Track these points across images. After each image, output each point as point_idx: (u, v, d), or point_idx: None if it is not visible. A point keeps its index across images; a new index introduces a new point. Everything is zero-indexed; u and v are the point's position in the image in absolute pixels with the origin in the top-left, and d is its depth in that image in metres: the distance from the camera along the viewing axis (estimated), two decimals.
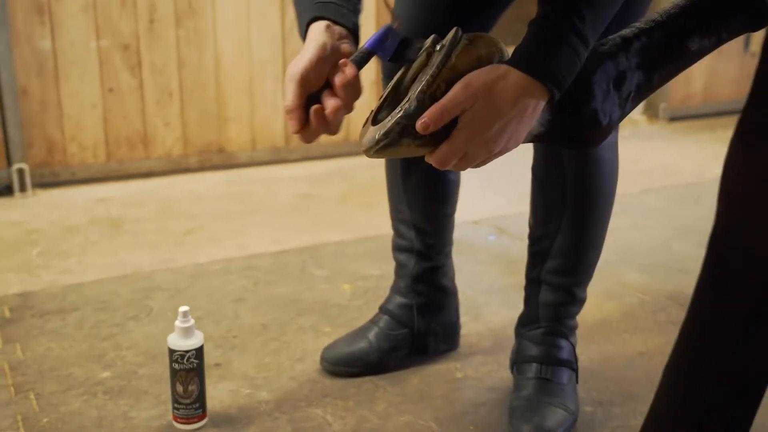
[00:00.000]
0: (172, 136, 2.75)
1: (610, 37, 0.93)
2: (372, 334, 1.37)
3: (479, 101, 0.82)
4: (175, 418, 1.17)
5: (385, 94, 0.95)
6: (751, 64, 3.84)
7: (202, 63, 2.73)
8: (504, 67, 0.84)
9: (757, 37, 3.77)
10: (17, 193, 2.44)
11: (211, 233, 2.13)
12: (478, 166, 0.89)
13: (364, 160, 3.12)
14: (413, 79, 0.92)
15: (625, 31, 0.93)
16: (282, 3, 2.79)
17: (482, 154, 0.86)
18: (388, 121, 0.84)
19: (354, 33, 0.99)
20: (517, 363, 1.26)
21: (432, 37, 0.91)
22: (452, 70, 0.84)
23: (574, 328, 1.26)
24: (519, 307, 1.64)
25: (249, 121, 2.87)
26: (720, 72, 3.82)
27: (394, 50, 0.94)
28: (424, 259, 1.37)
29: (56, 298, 1.66)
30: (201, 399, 1.17)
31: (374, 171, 2.82)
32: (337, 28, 0.96)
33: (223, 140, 2.84)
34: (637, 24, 0.93)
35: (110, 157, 2.65)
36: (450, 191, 1.36)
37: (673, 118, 3.70)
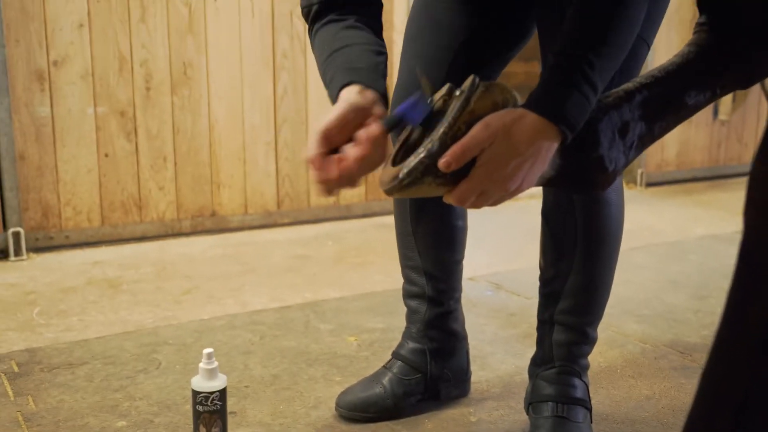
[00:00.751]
0: (166, 200, 2.78)
1: (613, 90, 1.00)
2: (386, 380, 1.39)
3: (497, 141, 0.88)
4: None
5: (403, 138, 1.00)
6: (720, 131, 4.03)
7: (196, 129, 2.80)
8: (520, 110, 0.91)
9: (725, 105, 3.96)
10: (12, 257, 2.44)
11: (210, 292, 2.14)
12: (494, 204, 0.94)
13: (354, 223, 3.20)
14: (435, 121, 0.97)
15: (628, 85, 1.01)
16: (273, 70, 2.89)
17: (499, 191, 0.91)
18: (411, 161, 0.90)
19: (384, 97, 1.03)
20: (533, 403, 1.28)
21: (447, 85, 0.97)
22: (471, 113, 0.90)
23: (586, 367, 1.30)
24: (524, 356, 1.68)
25: (241, 185, 2.92)
26: (692, 140, 3.98)
27: (424, 117, 0.96)
28: (435, 305, 1.41)
29: (63, 353, 1.65)
30: None
31: (365, 234, 2.87)
32: (369, 92, 1.00)
33: (215, 204, 2.88)
34: (638, 79, 1.01)
35: (104, 222, 2.67)
36: (459, 237, 1.41)
37: (650, 183, 3.83)
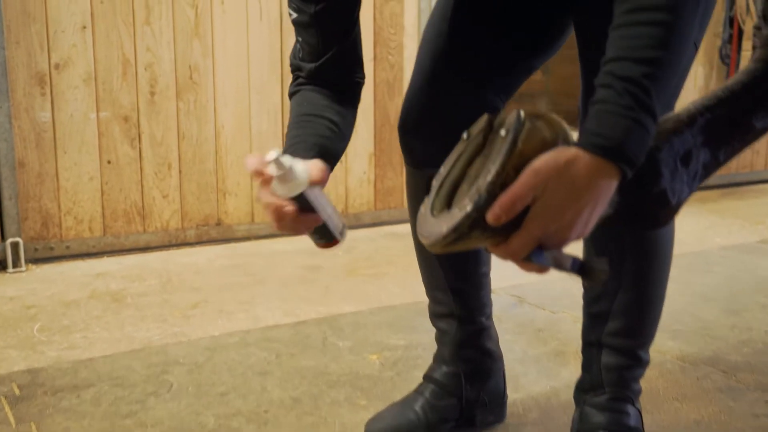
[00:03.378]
0: (170, 209, 2.68)
1: (671, 114, 0.89)
2: (418, 406, 1.29)
3: (551, 186, 0.76)
4: None
5: (441, 180, 0.89)
6: None
7: (202, 135, 2.70)
8: (573, 150, 0.78)
9: None
10: (10, 269, 2.33)
11: (219, 305, 2.04)
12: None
13: (364, 232, 3.10)
14: (468, 163, 0.87)
15: (689, 108, 0.89)
16: (281, 74, 2.79)
17: (556, 243, 0.79)
18: (457, 215, 0.79)
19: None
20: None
21: (485, 117, 0.86)
22: (520, 156, 0.77)
23: (639, 392, 1.20)
24: (558, 376, 1.58)
25: (248, 194, 2.82)
26: None
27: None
28: (466, 323, 1.31)
29: (67, 374, 1.55)
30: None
31: (376, 243, 2.78)
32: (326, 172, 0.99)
33: (221, 213, 2.78)
34: (700, 100, 0.90)
35: (106, 231, 2.57)
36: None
37: None
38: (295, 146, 1.01)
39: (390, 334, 1.81)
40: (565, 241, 0.79)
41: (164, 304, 2.05)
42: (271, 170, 0.91)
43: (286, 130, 1.08)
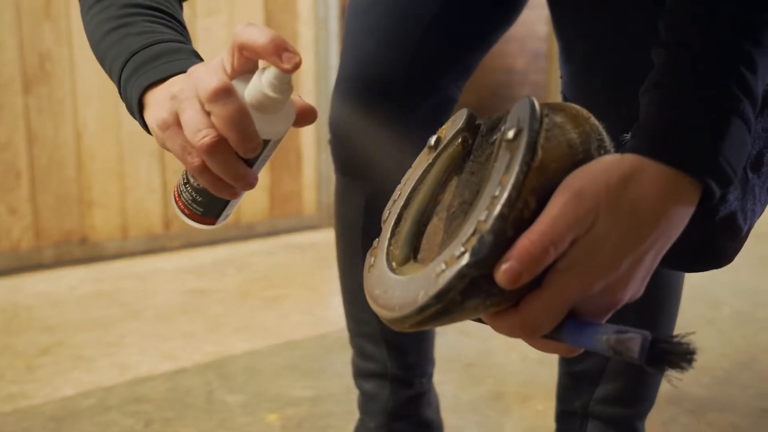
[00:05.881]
0: (20, 226, 2.22)
1: None
2: None
3: (601, 221, 0.45)
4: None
5: (398, 211, 0.55)
6: None
7: (59, 137, 2.25)
8: (630, 159, 0.47)
9: None
10: None
11: (77, 350, 1.63)
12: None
13: (258, 244, 2.71)
14: (439, 183, 0.54)
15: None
16: None
17: (599, 310, 0.47)
18: (440, 272, 0.45)
19: None
20: None
21: (464, 113, 0.55)
22: (541, 172, 0.46)
23: None
24: (501, 430, 1.29)
25: (118, 204, 2.39)
26: None
27: None
28: (402, 386, 0.99)
29: None
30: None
31: (274, 258, 2.42)
32: None
33: (86, 228, 2.34)
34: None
35: None
36: None
37: None
38: (177, 48, 0.62)
39: (293, 381, 1.46)
40: (615, 305, 0.48)
41: (4, 351, 1.62)
42: (254, 89, 0.54)
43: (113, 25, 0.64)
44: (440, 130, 0.55)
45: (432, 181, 0.54)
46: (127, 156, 2.39)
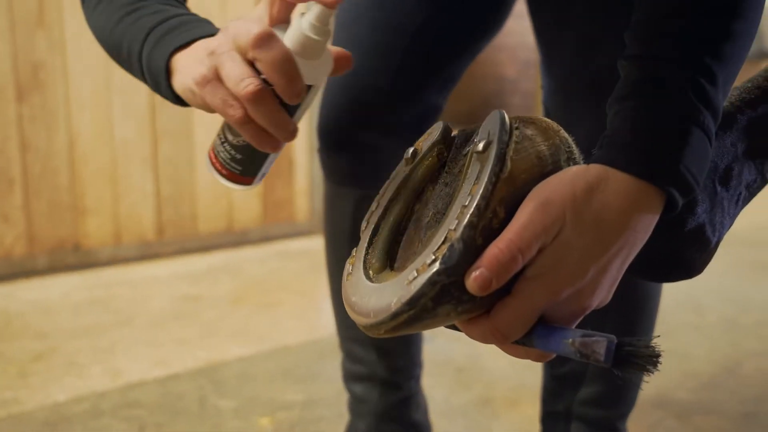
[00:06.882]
0: (13, 233, 2.23)
1: None
2: None
3: (568, 229, 0.47)
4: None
5: (376, 221, 0.57)
6: None
7: (52, 145, 2.27)
8: (595, 169, 0.49)
9: None
10: None
11: (70, 357, 1.64)
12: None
13: (251, 251, 2.73)
14: (415, 194, 0.57)
15: (724, 104, 0.61)
16: None
17: (568, 316, 0.49)
18: (412, 279, 0.47)
19: None
20: None
21: (439, 126, 0.56)
22: (510, 182, 0.48)
23: None
24: None
25: (112, 211, 2.41)
26: None
27: None
28: (391, 389, 1.00)
29: None
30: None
31: (267, 265, 2.43)
32: None
33: (79, 235, 2.35)
34: (736, 92, 0.62)
35: None
36: None
37: None
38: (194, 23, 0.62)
39: (285, 386, 1.47)
40: (582, 311, 0.50)
41: None
42: (295, 33, 0.55)
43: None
44: (417, 142, 0.57)
45: (409, 192, 0.56)
46: (120, 163, 2.40)
